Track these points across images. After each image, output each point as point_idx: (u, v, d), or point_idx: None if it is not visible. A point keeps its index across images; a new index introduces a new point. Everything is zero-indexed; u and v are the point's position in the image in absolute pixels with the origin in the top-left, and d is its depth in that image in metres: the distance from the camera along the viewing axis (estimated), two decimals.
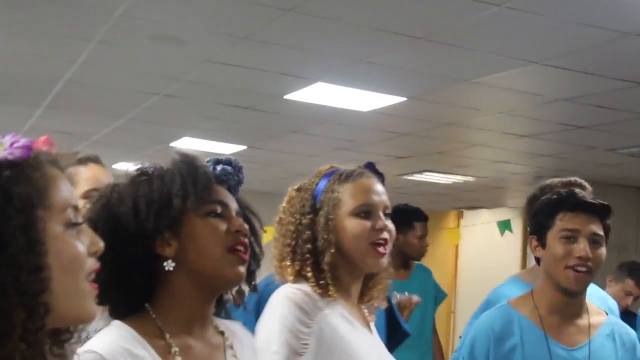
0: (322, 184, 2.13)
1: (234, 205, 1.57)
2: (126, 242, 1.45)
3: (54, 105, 7.65)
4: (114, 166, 10.80)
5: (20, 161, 1.01)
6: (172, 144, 9.41)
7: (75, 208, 1.06)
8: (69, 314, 1.02)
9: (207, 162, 1.61)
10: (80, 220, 1.07)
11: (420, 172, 9.95)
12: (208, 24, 4.77)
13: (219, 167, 1.60)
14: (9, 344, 0.92)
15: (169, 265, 1.49)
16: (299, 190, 2.17)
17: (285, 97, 6.47)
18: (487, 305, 2.87)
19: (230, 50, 5.25)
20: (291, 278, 2.08)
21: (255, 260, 1.61)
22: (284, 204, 2.18)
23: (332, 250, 2.05)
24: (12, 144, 1.02)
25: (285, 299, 2.00)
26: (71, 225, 1.04)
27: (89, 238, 1.07)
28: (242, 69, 5.73)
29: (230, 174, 1.61)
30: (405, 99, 6.24)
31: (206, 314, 1.55)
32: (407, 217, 5.10)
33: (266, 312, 2.02)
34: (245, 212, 1.63)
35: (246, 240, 1.54)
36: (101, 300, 1.08)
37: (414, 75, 5.56)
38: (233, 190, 1.62)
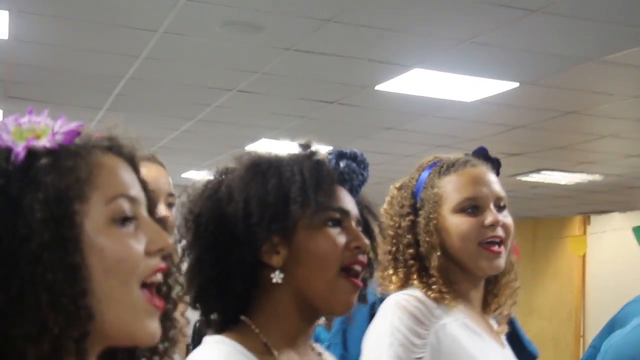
0: (423, 178, 2.10)
1: (354, 212, 1.54)
2: (231, 245, 1.45)
3: (115, 107, 7.86)
4: (183, 175, 11.03)
5: (59, 148, 1.02)
6: (247, 147, 9.53)
7: (132, 200, 1.05)
8: (121, 328, 1.00)
9: (329, 155, 1.59)
10: (139, 213, 1.05)
11: (537, 171, 9.75)
12: (287, 6, 4.79)
13: (342, 163, 1.57)
14: (43, 344, 0.92)
15: (277, 277, 1.47)
16: (399, 188, 2.15)
17: (377, 87, 6.44)
18: (612, 326, 2.75)
19: (313, 35, 5.26)
20: (394, 287, 2.06)
21: (368, 268, 1.59)
22: (384, 205, 2.15)
23: (438, 254, 2.02)
24: (54, 132, 1.02)
25: (396, 307, 1.98)
26: (122, 219, 1.02)
27: (151, 233, 1.05)
28: (326, 56, 5.74)
29: (354, 172, 1.58)
30: (517, 84, 6.12)
31: (308, 332, 1.55)
32: None
33: (374, 323, 2.01)
34: (364, 212, 1.61)
35: (365, 258, 1.51)
36: (196, 306, 1.07)
37: (528, 56, 5.44)
38: (355, 190, 1.59)
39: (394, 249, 2.09)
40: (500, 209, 2.07)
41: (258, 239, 1.46)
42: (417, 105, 6.97)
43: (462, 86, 6.25)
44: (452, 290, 2.03)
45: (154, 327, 1.03)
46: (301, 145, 1.58)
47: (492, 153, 7.46)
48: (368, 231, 1.61)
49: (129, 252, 1.01)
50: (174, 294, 1.11)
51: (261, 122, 8.22)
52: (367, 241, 1.53)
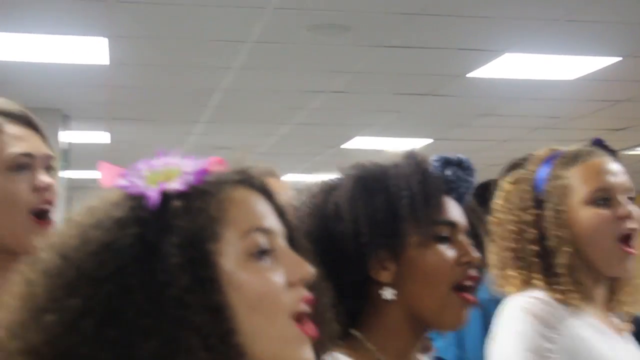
0: (544, 171, 2.01)
1: (463, 223, 1.49)
2: (340, 263, 1.43)
3: (213, 119, 8.02)
4: (282, 179, 11.15)
5: (190, 190, 1.00)
6: (343, 146, 9.55)
7: (267, 231, 1.01)
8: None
9: (434, 162, 1.54)
10: (276, 245, 1.03)
11: None
12: (374, 4, 4.79)
13: (448, 171, 1.51)
14: None
15: (388, 294, 1.45)
16: (515, 182, 2.06)
17: (469, 75, 6.36)
18: None
19: (401, 30, 5.23)
20: (514, 288, 1.99)
21: (480, 274, 1.55)
22: (498, 201, 2.08)
23: (568, 250, 1.93)
24: (184, 173, 1.02)
25: (522, 311, 1.89)
26: (259, 253, 1.00)
27: (290, 264, 1.02)
28: (416, 49, 5.70)
29: (461, 180, 1.52)
30: (620, 58, 5.93)
31: (418, 345, 1.53)
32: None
33: (500, 329, 1.94)
34: (471, 217, 1.57)
35: (476, 272, 1.48)
36: None
37: (630, 29, 5.26)
38: (461, 198, 1.56)
39: (516, 245, 2.00)
40: (630, 200, 1.98)
41: (366, 256, 1.45)
42: (513, 89, 6.85)
43: (560, 65, 6.11)
44: (578, 289, 1.94)
45: (306, 355, 1.01)
46: (406, 154, 1.53)
47: (596, 129, 7.29)
48: (475, 237, 1.56)
49: (269, 286, 0.98)
50: (321, 320, 1.08)
51: (356, 121, 8.22)
52: (477, 254, 1.49)
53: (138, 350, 0.91)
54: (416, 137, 9.01)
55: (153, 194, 0.98)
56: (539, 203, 1.97)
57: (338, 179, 1.50)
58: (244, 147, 9.25)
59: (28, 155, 1.55)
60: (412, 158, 1.48)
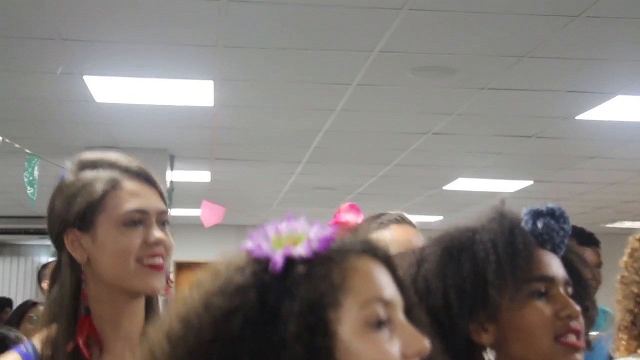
0: None
1: (560, 275, 1.44)
2: (440, 334, 1.41)
3: (314, 160, 8.06)
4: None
5: (314, 256, 1.00)
6: (445, 187, 9.44)
7: (386, 303, 1.01)
8: None
9: (525, 216, 1.50)
10: (394, 316, 1.01)
11: None
12: (479, 47, 4.73)
13: (539, 223, 1.48)
14: None
15: (489, 356, 1.42)
16: None
17: (578, 117, 6.21)
18: None
19: (506, 72, 5.15)
20: (619, 354, 1.90)
21: (589, 319, 1.49)
22: (625, 258, 1.99)
23: None
24: (309, 239, 1.01)
25: None
26: (377, 323, 0.99)
27: (406, 336, 1.00)
28: (522, 92, 5.60)
29: (554, 230, 1.48)
30: None
31: None
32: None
33: None
34: (574, 262, 1.51)
35: (579, 325, 1.42)
36: None
37: None
38: (557, 248, 1.50)
39: (636, 309, 1.91)
40: None
41: (464, 322, 1.41)
42: (622, 131, 6.65)
43: None
44: None
45: None
46: (494, 214, 1.49)
47: None
48: (580, 282, 1.50)
49: (385, 357, 0.97)
50: None
51: (457, 162, 8.14)
52: (577, 307, 1.42)
53: None
54: (517, 179, 8.85)
55: (278, 258, 0.98)
56: None
57: (425, 248, 1.49)
58: (344, 186, 9.26)
59: (142, 211, 1.62)
60: (498, 218, 1.45)
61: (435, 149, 7.48)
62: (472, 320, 1.41)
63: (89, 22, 4.38)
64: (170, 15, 4.30)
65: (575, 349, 1.41)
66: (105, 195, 1.60)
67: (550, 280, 1.42)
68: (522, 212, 1.50)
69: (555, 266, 1.45)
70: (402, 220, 2.35)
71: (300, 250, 0.99)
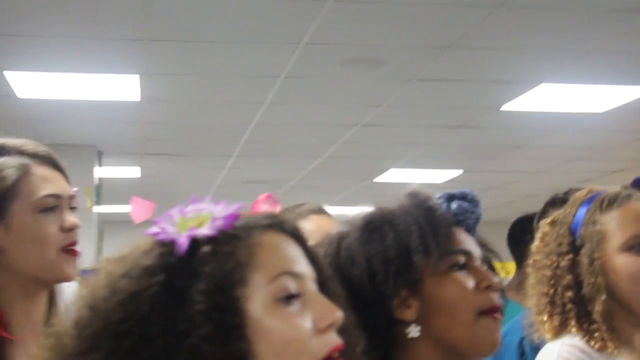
0: (581, 214, 1.97)
1: (477, 252, 1.49)
2: (361, 308, 1.41)
3: (245, 154, 8.02)
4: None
5: (218, 235, 1.00)
6: (376, 179, 9.51)
7: (296, 276, 1.01)
8: None
9: (439, 199, 1.55)
10: (305, 289, 1.02)
11: None
12: (406, 38, 4.77)
13: (454, 205, 1.52)
14: None
15: (413, 331, 1.43)
16: (552, 224, 2.02)
17: (503, 108, 6.31)
18: None
19: (433, 63, 5.20)
20: (549, 336, 1.94)
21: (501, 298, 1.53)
22: (536, 242, 2.03)
23: (603, 298, 1.87)
24: (214, 218, 1.01)
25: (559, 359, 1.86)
26: (286, 298, 0.99)
27: (319, 309, 1.00)
28: (449, 82, 5.67)
29: (468, 211, 1.53)
30: None
31: None
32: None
33: None
34: (483, 250, 1.55)
35: (499, 300, 1.45)
36: None
37: None
38: (471, 229, 1.54)
39: (551, 291, 1.95)
40: None
41: (387, 296, 1.42)
42: (547, 121, 6.79)
43: (595, 96, 6.04)
44: (615, 337, 1.89)
45: None
46: (410, 195, 1.52)
47: (631, 160, 7.17)
48: (492, 269, 1.54)
49: (296, 332, 0.97)
50: None
51: (388, 153, 8.20)
52: (497, 278, 1.46)
53: None
54: (447, 168, 8.97)
55: (182, 239, 0.98)
56: (575, 248, 1.91)
57: (347, 227, 1.50)
58: (275, 180, 9.25)
59: (56, 196, 1.60)
60: (416, 197, 1.48)
61: (366, 141, 7.51)
62: (395, 296, 1.42)
63: (9, 15, 4.27)
64: (94, 9, 4.21)
65: (497, 321, 1.43)
66: (18, 181, 1.56)
67: (468, 254, 1.45)
68: (436, 195, 1.53)
69: (472, 243, 1.49)
70: (320, 211, 2.37)
71: (205, 230, 0.99)
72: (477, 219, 1.54)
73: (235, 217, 1.01)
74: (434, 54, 5.02)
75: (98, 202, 8.13)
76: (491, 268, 1.54)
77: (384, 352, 1.45)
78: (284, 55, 5.02)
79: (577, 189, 2.15)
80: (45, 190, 1.58)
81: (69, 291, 1.70)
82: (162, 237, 0.99)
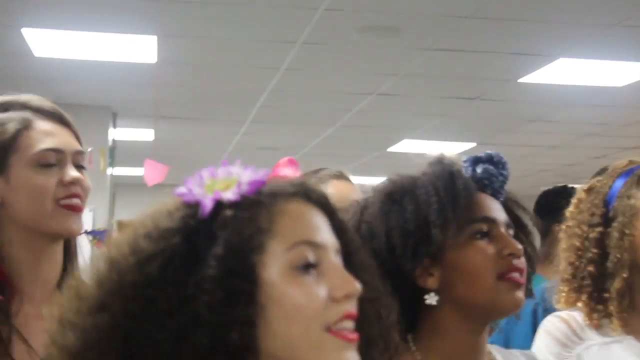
0: (617, 185, 1.92)
1: (501, 218, 1.47)
2: (387, 279, 1.42)
3: (259, 120, 8.02)
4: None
5: (242, 200, 1.00)
6: (390, 149, 9.50)
7: (316, 245, 1.01)
8: None
9: (464, 163, 1.53)
10: (324, 259, 1.01)
11: None
12: (424, 7, 4.74)
13: (479, 169, 1.50)
14: None
15: (432, 299, 1.44)
16: (589, 191, 1.98)
17: (520, 80, 6.27)
18: None
19: (451, 33, 5.17)
20: (561, 305, 1.94)
21: (530, 264, 1.52)
22: (571, 208, 2.00)
23: (625, 275, 1.84)
24: (239, 183, 1.01)
25: (542, 331, 1.89)
26: (304, 266, 0.99)
27: (336, 279, 1.00)
28: (466, 53, 5.64)
29: (493, 175, 1.51)
30: None
31: (478, 345, 1.50)
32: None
33: (533, 344, 1.93)
34: (514, 208, 1.55)
35: (521, 264, 1.45)
36: None
37: None
38: (497, 193, 1.53)
39: (576, 262, 1.94)
40: None
41: (408, 268, 1.42)
42: (563, 95, 6.75)
43: (612, 71, 6.00)
44: (622, 317, 1.86)
45: (349, 357, 0.99)
46: (435, 161, 1.51)
47: None
48: (521, 227, 1.54)
49: (309, 299, 0.97)
50: (374, 334, 1.07)
51: (403, 124, 8.18)
52: (519, 245, 1.45)
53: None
54: (461, 140, 8.94)
55: (207, 201, 0.99)
56: (607, 220, 1.88)
57: (368, 197, 1.50)
58: (288, 147, 9.25)
59: (57, 150, 1.57)
60: (439, 163, 1.46)
61: (380, 110, 7.50)
62: (417, 265, 1.42)
63: None
64: None
65: (517, 285, 1.43)
66: (17, 135, 1.55)
67: (492, 221, 1.45)
68: (462, 159, 1.52)
69: (496, 209, 1.48)
70: (341, 176, 2.36)
71: (229, 194, 0.99)
72: (504, 182, 1.52)
73: (261, 183, 1.01)
74: (452, 24, 4.99)
75: (111, 164, 8.16)
76: (521, 230, 1.53)
77: (411, 320, 1.46)
78: (301, 21, 5.00)
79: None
80: (45, 144, 1.56)
81: (84, 251, 1.69)
82: (188, 197, 1.00)
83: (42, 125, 1.59)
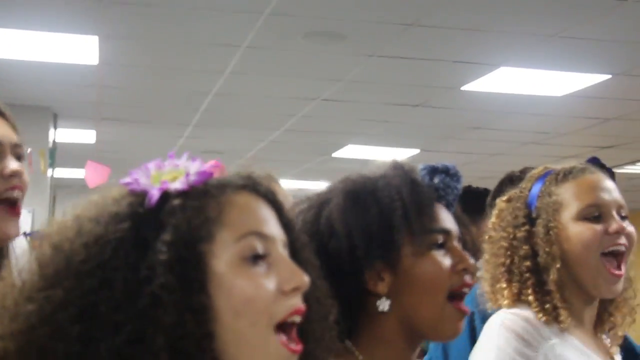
0: (536, 188, 2.00)
1: (455, 230, 1.48)
2: (335, 278, 1.41)
3: (203, 123, 7.97)
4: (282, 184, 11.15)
5: (190, 189, 1.00)
6: (334, 154, 9.52)
7: (264, 237, 1.01)
8: None
9: (421, 171, 1.53)
10: (273, 251, 1.01)
11: (633, 162, 9.46)
12: (368, 14, 4.77)
13: (436, 179, 1.50)
14: None
15: (384, 304, 1.43)
16: (508, 200, 2.06)
17: (463, 88, 6.35)
18: None
19: (395, 40, 5.21)
20: (506, 302, 1.98)
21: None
22: (492, 219, 2.07)
23: (558, 266, 1.91)
24: (187, 173, 1.01)
25: (502, 327, 1.90)
26: (253, 258, 0.99)
27: (285, 272, 1.00)
28: (410, 60, 5.68)
29: (449, 187, 1.51)
30: (609, 76, 5.94)
31: (412, 356, 1.51)
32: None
33: (479, 344, 1.94)
34: (458, 224, 1.56)
35: (471, 280, 1.46)
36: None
37: (621, 47, 5.27)
38: (450, 205, 1.54)
39: (507, 261, 1.97)
40: (622, 218, 1.97)
41: (363, 269, 1.42)
42: (505, 103, 6.85)
43: (552, 81, 6.12)
44: (566, 308, 1.93)
45: None
46: (393, 165, 1.51)
47: (585, 146, 7.28)
48: (464, 243, 1.55)
49: (258, 291, 0.97)
50: (317, 334, 1.07)
51: (347, 129, 8.21)
52: (473, 261, 1.47)
53: (105, 344, 0.91)
54: (405, 147, 9.01)
55: (153, 191, 0.99)
56: (531, 220, 1.96)
57: (327, 193, 1.49)
58: (233, 150, 9.21)
59: None
60: (400, 168, 1.47)
61: (325, 115, 7.51)
62: (369, 269, 1.42)
63: None
64: None
65: (462, 315, 1.44)
66: None
67: (447, 233, 1.45)
68: (419, 167, 1.52)
69: (451, 221, 1.48)
70: (270, 179, 2.36)
71: (177, 184, 0.99)
72: (458, 195, 1.53)
73: (209, 174, 1.02)
74: (397, 31, 5.03)
75: (52, 165, 8.03)
76: (465, 246, 1.55)
77: (350, 321, 1.45)
78: (246, 25, 4.99)
79: (532, 168, 2.20)
80: None
81: (18, 251, 1.65)
82: (134, 187, 1.00)
83: None
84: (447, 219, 1.47)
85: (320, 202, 1.48)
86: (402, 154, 9.33)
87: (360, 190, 1.45)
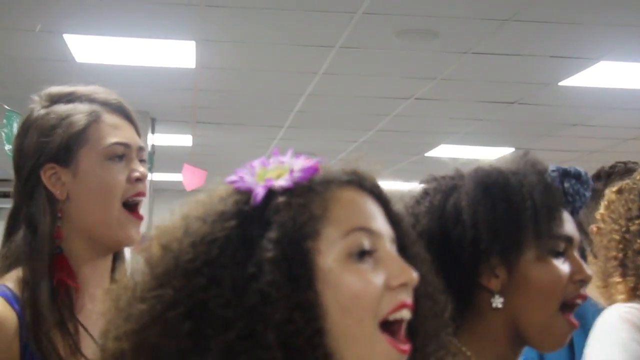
0: None
1: (577, 238, 1.43)
2: (451, 266, 1.39)
3: (296, 124, 8.04)
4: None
5: (294, 186, 1.00)
6: (427, 154, 9.46)
7: (371, 233, 0.99)
8: None
9: (552, 173, 1.49)
10: (380, 247, 0.99)
11: None
12: (463, 10, 4.72)
13: (567, 183, 1.46)
14: None
15: (497, 302, 1.41)
16: (619, 192, 2.00)
17: (560, 83, 6.22)
18: None
19: (490, 37, 5.15)
20: (622, 297, 1.92)
21: None
22: (601, 210, 2.01)
23: None
24: (291, 170, 1.02)
25: (621, 320, 1.84)
26: (359, 253, 0.98)
27: (392, 267, 0.99)
28: (505, 56, 5.60)
29: (578, 194, 1.47)
30: None
31: (515, 358, 1.48)
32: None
33: (597, 339, 1.89)
34: (579, 231, 1.52)
35: (585, 292, 1.43)
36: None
37: None
38: (576, 212, 1.49)
39: (620, 255, 1.92)
40: None
41: (480, 263, 1.40)
42: (604, 98, 6.67)
43: None
44: None
45: None
46: (527, 162, 1.48)
47: None
48: (583, 257, 1.51)
49: (366, 287, 0.96)
50: (430, 330, 1.05)
51: (440, 128, 8.15)
52: (590, 272, 1.43)
53: (215, 340, 0.92)
54: (499, 145, 8.87)
55: (259, 189, 0.99)
56: None
57: (457, 179, 1.45)
58: (325, 152, 9.26)
59: (125, 145, 1.57)
60: (532, 166, 1.43)
61: (418, 115, 7.48)
62: (484, 262, 1.39)
63: None
64: None
65: (573, 329, 1.41)
66: (87, 127, 1.54)
67: (571, 241, 1.42)
68: (550, 167, 1.49)
69: (574, 228, 1.44)
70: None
71: (282, 182, 0.99)
72: (585, 202, 1.49)
73: (313, 170, 1.01)
74: (491, 27, 4.97)
75: (150, 170, 8.23)
76: (583, 255, 1.51)
77: (457, 313, 1.45)
78: (339, 25, 5.01)
79: (623, 163, 2.13)
80: (114, 137, 1.55)
81: (127, 254, 1.68)
82: (239, 185, 1.01)
83: (110, 118, 1.58)
84: (570, 226, 1.44)
85: (448, 187, 1.45)
86: (495, 153, 9.20)
87: (492, 183, 1.42)
